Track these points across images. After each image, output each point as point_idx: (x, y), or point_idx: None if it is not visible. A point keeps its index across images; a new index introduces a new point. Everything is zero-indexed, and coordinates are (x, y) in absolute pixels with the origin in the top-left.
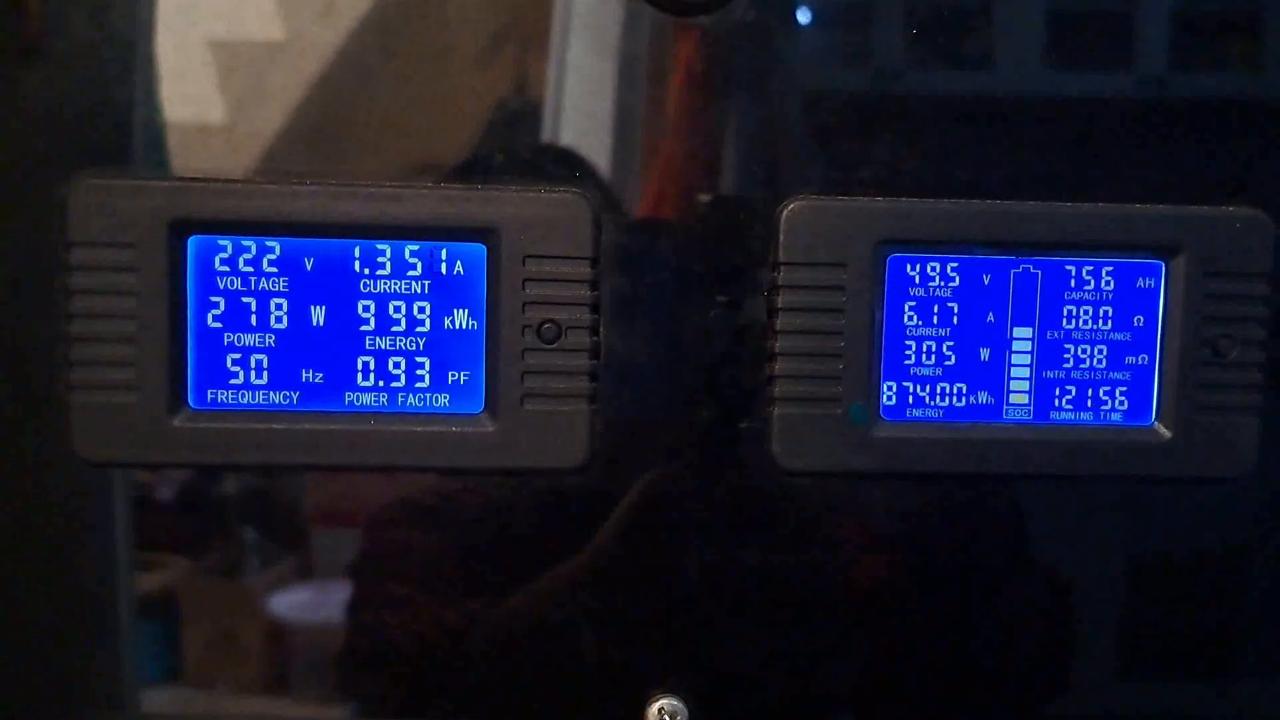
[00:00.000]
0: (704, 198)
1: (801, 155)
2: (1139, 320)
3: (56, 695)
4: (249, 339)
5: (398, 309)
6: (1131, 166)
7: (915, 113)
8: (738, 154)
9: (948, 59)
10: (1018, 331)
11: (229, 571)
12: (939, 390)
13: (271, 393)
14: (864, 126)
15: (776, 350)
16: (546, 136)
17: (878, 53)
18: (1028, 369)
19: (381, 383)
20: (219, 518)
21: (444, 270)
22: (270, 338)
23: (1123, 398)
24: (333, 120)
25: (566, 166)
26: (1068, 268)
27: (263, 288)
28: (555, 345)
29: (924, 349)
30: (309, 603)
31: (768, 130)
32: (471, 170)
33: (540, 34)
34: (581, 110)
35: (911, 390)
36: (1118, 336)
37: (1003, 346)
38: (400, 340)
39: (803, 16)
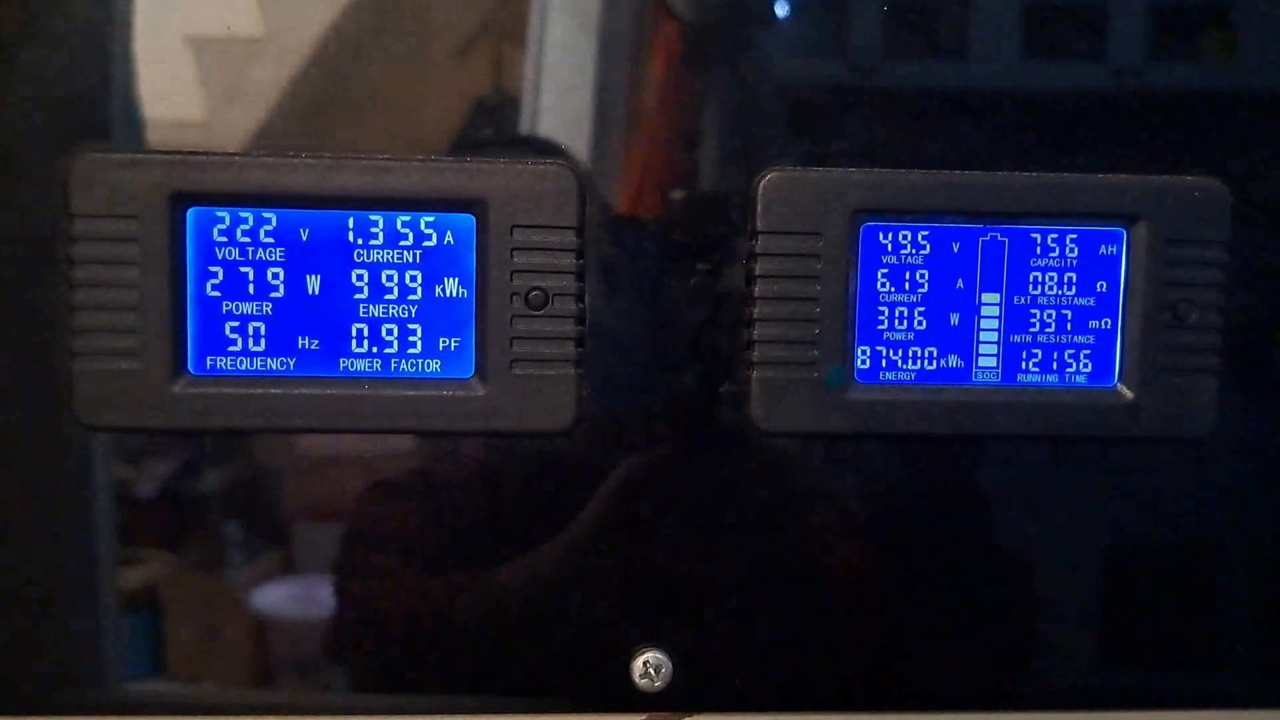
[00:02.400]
0: (678, 195)
1: (778, 129)
2: (1102, 286)
3: (40, 690)
4: (247, 307)
5: (390, 278)
6: (1104, 156)
7: (891, 105)
8: (717, 128)
9: (924, 50)
10: (986, 297)
11: (211, 566)
12: (911, 354)
13: (269, 359)
14: (840, 112)
15: (755, 316)
16: (530, 112)
17: (853, 41)
18: (996, 333)
19: (375, 349)
20: (201, 513)
21: (434, 240)
22: (267, 306)
23: (1087, 360)
24: (324, 98)
25: (551, 140)
26: (1033, 235)
27: (260, 258)
28: (542, 312)
29: (896, 314)
30: (292, 596)
31: (746, 107)
32: (460, 144)
33: (524, 13)
34: (565, 86)
35: (885, 354)
36: (1082, 302)
37: (972, 312)
38: (393, 308)
39: (780, 10)
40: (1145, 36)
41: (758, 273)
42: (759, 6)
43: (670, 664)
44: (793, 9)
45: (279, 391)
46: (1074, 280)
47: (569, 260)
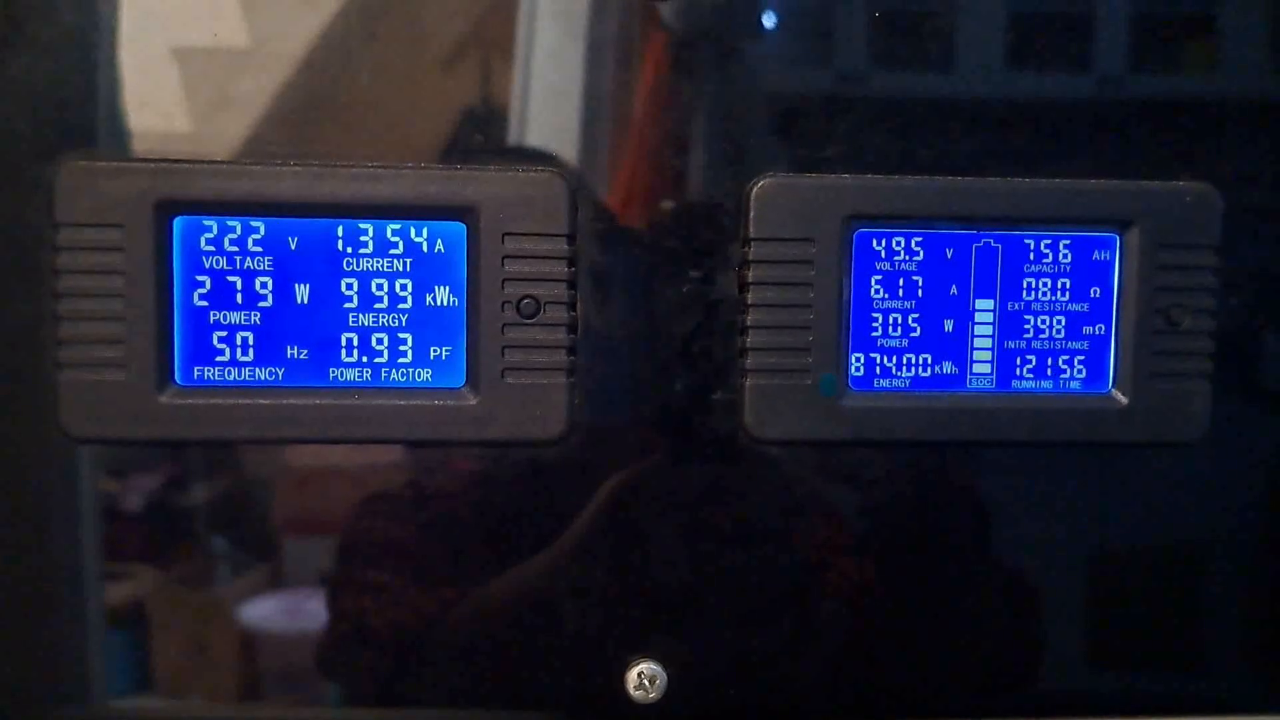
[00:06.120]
0: (670, 202)
1: (770, 136)
2: (1095, 291)
3: (26, 707)
4: (235, 317)
5: (380, 286)
6: (1096, 162)
7: (883, 111)
8: (708, 135)
9: (915, 58)
10: (980, 303)
11: (199, 580)
12: (905, 361)
13: (257, 369)
14: (832, 118)
15: (748, 324)
16: (521, 120)
17: (843, 49)
18: (990, 339)
19: (365, 358)
20: (188, 526)
21: (425, 248)
22: (256, 315)
23: (1081, 366)
24: (312, 106)
25: (542, 147)
26: (1027, 241)
27: (248, 267)
28: (534, 320)
29: (890, 321)
30: (279, 611)
31: (737, 113)
32: (450, 152)
33: (513, 20)
34: (556, 94)
35: (878, 361)
36: (1075, 307)
37: (965, 318)
38: (383, 317)
39: (768, 21)
40: (1131, 45)
41: (750, 280)
42: (749, 15)
43: (665, 675)
44: (782, 18)
45: (268, 402)
46: (1067, 286)
47: (561, 268)
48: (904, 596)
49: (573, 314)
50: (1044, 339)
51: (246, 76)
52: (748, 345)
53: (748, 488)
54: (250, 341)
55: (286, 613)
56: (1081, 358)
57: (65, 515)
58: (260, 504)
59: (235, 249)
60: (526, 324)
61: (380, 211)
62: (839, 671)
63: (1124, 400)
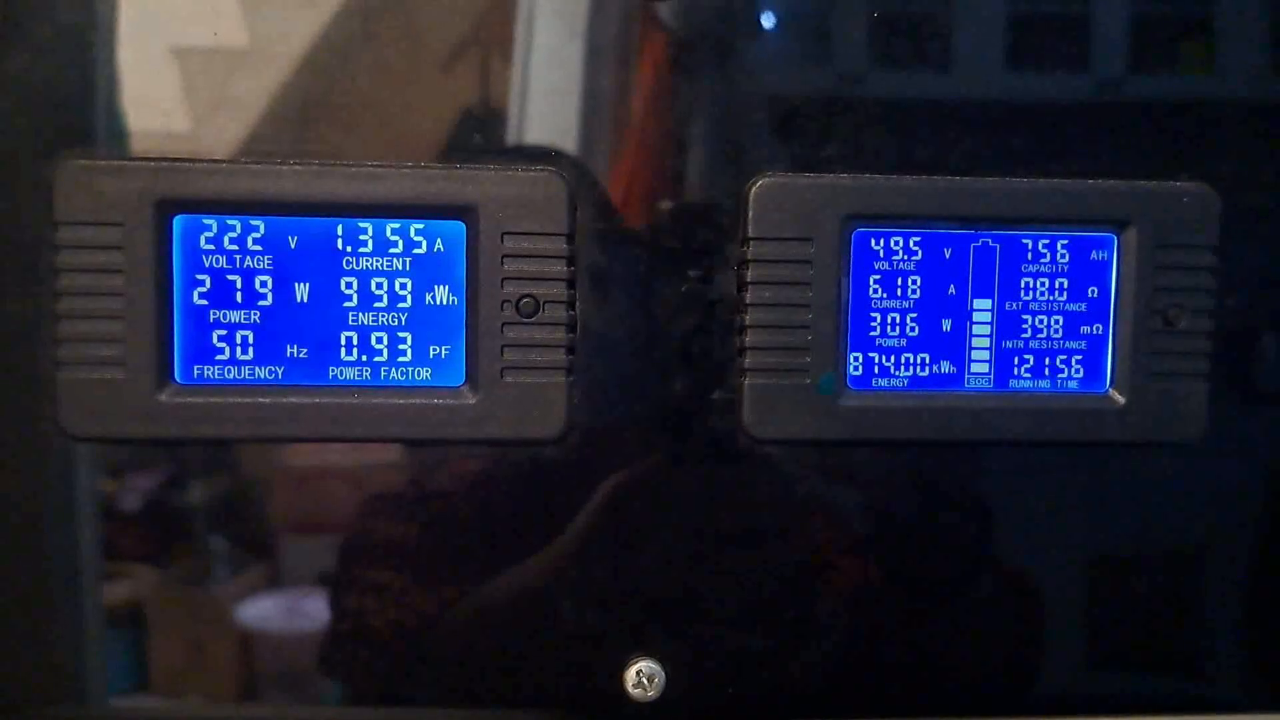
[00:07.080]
0: (669, 202)
1: (769, 136)
2: (1093, 291)
3: (24, 706)
4: (234, 315)
5: (380, 285)
6: (1093, 162)
7: (882, 111)
8: (707, 135)
9: (914, 58)
10: (978, 303)
11: (197, 579)
12: (903, 360)
13: (257, 368)
14: (830, 117)
15: (746, 323)
16: (520, 119)
17: (842, 49)
18: (988, 339)
19: (365, 357)
20: (187, 525)
21: (424, 247)
22: (255, 314)
23: (1078, 366)
24: (312, 106)
25: (542, 147)
26: (1025, 241)
27: (248, 265)
28: (533, 319)
29: (888, 321)
30: (278, 611)
31: (736, 113)
32: (450, 151)
33: (512, 20)
34: (555, 93)
35: (877, 361)
36: (1073, 307)
37: (963, 318)
38: (383, 316)
39: (767, 21)
40: (1129, 45)
41: (749, 279)
42: (748, 15)
43: (663, 673)
44: (781, 18)
45: (267, 400)
46: (1065, 286)
47: (560, 267)
48: (903, 596)
49: (572, 313)
50: (1042, 339)
51: (246, 76)
52: (746, 345)
53: (746, 487)
54: (250, 340)
55: (285, 612)
56: (1079, 357)
57: (63, 514)
58: (259, 503)
59: (235, 248)
60: (526, 323)
61: (380, 210)
62: (838, 670)
63: (1121, 400)
